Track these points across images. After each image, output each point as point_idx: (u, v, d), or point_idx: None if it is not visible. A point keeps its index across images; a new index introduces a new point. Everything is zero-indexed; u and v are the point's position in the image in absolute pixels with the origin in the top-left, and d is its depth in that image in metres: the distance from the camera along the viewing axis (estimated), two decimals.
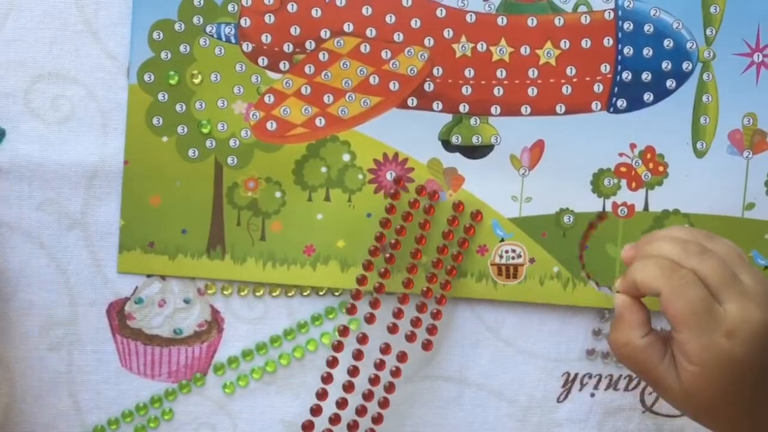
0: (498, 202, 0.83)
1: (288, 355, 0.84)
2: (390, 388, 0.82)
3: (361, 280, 0.82)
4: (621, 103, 0.82)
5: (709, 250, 0.69)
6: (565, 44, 0.82)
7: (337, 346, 0.82)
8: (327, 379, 0.82)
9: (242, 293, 0.84)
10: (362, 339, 0.82)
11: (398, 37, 0.82)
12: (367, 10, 0.82)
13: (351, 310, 0.82)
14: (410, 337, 0.82)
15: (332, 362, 0.82)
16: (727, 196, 0.83)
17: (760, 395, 0.69)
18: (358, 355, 0.82)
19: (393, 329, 0.81)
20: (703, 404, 0.69)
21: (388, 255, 0.81)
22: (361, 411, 0.82)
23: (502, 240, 0.83)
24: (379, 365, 0.82)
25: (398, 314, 0.82)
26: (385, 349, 0.82)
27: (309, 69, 0.82)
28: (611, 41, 0.82)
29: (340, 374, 0.82)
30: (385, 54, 0.82)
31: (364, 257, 0.82)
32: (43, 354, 0.83)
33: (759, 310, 0.67)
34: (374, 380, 0.82)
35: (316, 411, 0.82)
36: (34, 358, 0.83)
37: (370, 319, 0.82)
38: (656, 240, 0.71)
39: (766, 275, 0.82)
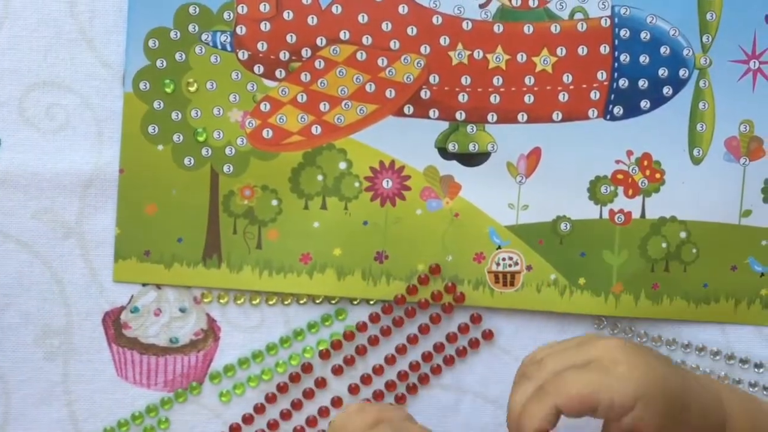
0: (495, 209, 0.83)
1: (284, 363, 0.84)
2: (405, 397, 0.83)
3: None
4: (618, 110, 0.82)
5: (537, 361, 0.68)
6: (561, 51, 0.82)
7: (326, 353, 0.83)
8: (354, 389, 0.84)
9: (238, 302, 0.83)
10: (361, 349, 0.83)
11: (394, 44, 0.81)
12: (363, 18, 0.81)
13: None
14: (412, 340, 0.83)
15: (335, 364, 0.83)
16: (724, 203, 0.83)
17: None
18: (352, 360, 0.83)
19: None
20: None
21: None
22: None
23: (499, 247, 0.83)
24: (379, 371, 0.83)
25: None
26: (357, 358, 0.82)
27: (305, 77, 0.82)
28: (608, 48, 0.82)
29: (340, 383, 0.83)
30: (382, 61, 0.82)
31: (360, 265, 0.82)
32: (38, 363, 0.83)
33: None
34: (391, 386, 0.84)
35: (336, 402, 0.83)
36: (30, 368, 0.83)
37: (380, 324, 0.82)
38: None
39: (755, 281, 0.82)
